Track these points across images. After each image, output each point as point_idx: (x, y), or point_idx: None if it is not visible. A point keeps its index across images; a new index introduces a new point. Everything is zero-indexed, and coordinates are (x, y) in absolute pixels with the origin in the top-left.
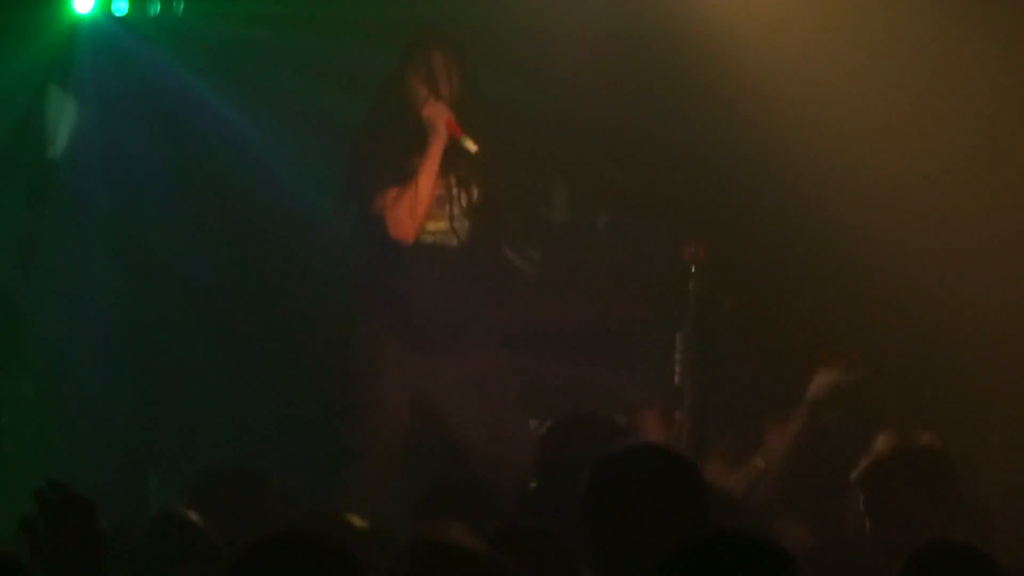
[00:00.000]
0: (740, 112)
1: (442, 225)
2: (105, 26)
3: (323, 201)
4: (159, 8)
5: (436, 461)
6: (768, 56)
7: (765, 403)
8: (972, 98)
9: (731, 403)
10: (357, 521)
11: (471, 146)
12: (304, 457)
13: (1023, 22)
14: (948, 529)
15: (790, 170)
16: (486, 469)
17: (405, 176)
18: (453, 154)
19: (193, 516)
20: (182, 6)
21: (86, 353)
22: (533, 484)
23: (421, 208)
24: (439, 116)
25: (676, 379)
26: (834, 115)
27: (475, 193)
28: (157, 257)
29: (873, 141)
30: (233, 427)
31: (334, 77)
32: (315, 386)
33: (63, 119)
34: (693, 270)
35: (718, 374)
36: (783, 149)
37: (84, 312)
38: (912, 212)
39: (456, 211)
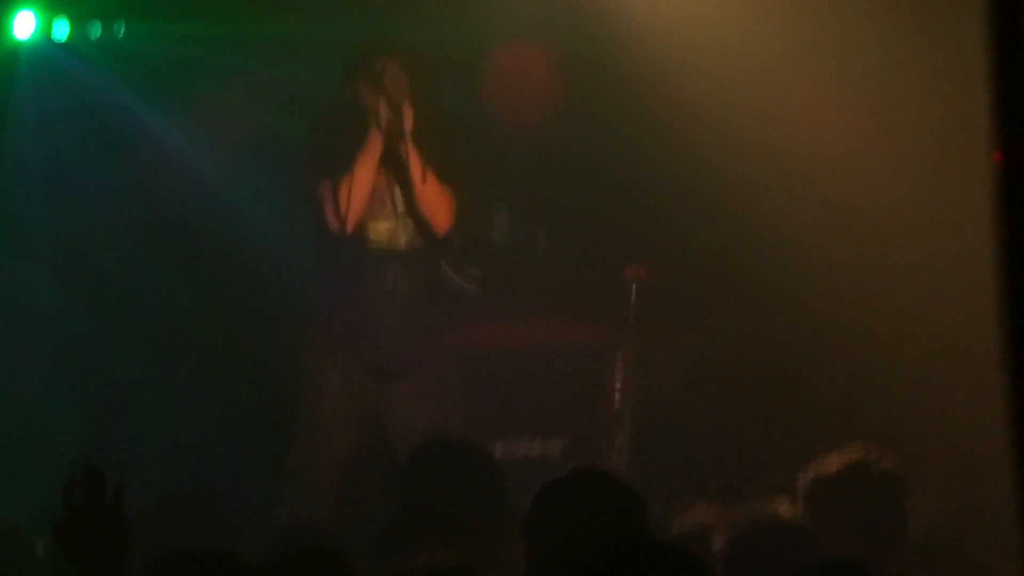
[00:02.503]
0: (682, 133)
1: (386, 225)
2: (46, 50)
3: (264, 218)
4: (100, 31)
5: (383, 478)
6: (712, 78)
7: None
8: (916, 120)
9: (673, 424)
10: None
11: (408, 125)
12: (249, 474)
13: (966, 40)
14: (894, 547)
15: (732, 191)
16: (429, 487)
17: (346, 171)
18: (397, 154)
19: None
20: (123, 29)
21: (27, 371)
22: None
23: (357, 197)
24: (382, 109)
25: (616, 401)
26: (778, 137)
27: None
28: (99, 275)
29: (817, 162)
30: (176, 444)
31: (273, 96)
32: (259, 402)
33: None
34: (634, 291)
35: (660, 395)
36: (726, 170)
37: (25, 330)
38: (856, 232)
39: (400, 210)
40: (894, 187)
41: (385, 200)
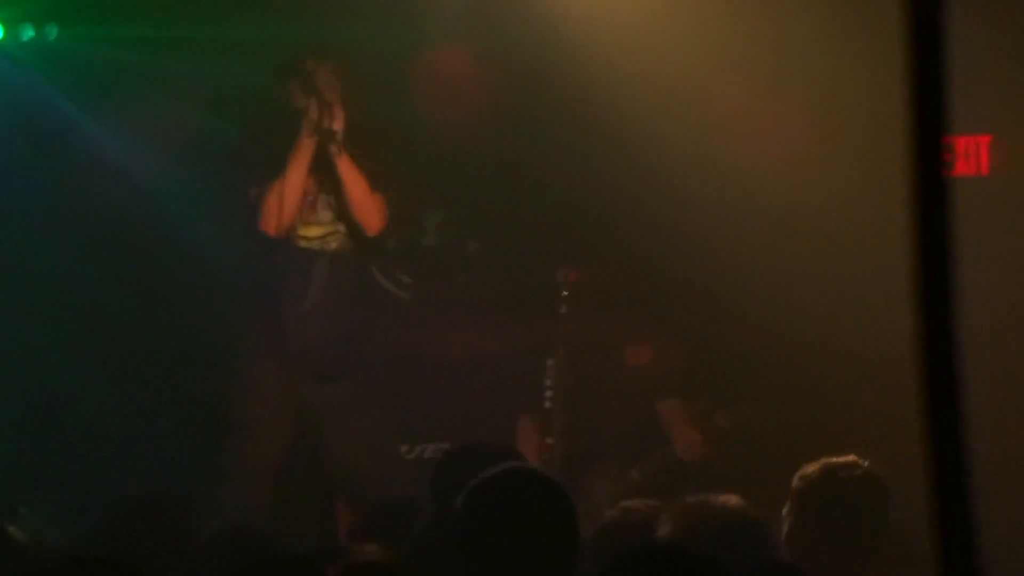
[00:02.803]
0: (613, 137)
1: (318, 230)
2: None
3: (197, 220)
4: (32, 33)
5: (312, 482)
6: (643, 82)
7: (639, 426)
8: (848, 124)
9: (604, 427)
10: None
11: (337, 126)
12: (183, 477)
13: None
14: (873, 557)
15: (663, 195)
16: (362, 490)
17: (279, 173)
18: (328, 158)
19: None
20: (55, 31)
21: None
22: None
23: (289, 199)
24: (314, 111)
25: (547, 403)
26: (709, 141)
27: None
28: (31, 278)
29: (748, 166)
30: (112, 448)
31: (205, 98)
32: (195, 404)
33: None
34: (564, 295)
35: (590, 398)
36: (656, 174)
37: None
38: (787, 235)
39: (332, 215)
40: (826, 191)
41: (317, 204)
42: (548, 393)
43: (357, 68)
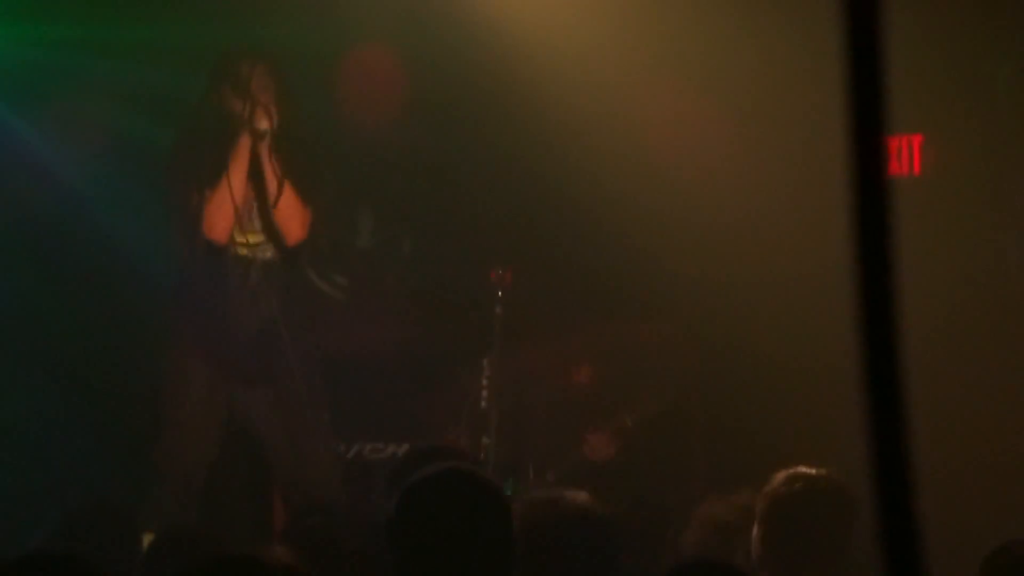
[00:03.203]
0: (545, 137)
1: (255, 238)
2: None
3: (124, 221)
4: None
5: (243, 484)
6: (576, 81)
7: (576, 425)
8: (788, 127)
9: (540, 426)
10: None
11: (264, 125)
12: (113, 478)
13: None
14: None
15: (595, 196)
16: (295, 491)
17: (218, 177)
18: (262, 163)
19: None
20: None
21: None
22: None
23: (233, 203)
24: (247, 113)
25: (483, 403)
26: (640, 141)
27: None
28: None
29: (680, 166)
30: (39, 451)
31: (133, 100)
32: (124, 407)
33: None
34: (499, 295)
35: (525, 398)
36: (589, 175)
37: None
38: (722, 237)
39: (268, 220)
40: (764, 191)
41: (253, 209)
42: (484, 393)
43: (289, 70)
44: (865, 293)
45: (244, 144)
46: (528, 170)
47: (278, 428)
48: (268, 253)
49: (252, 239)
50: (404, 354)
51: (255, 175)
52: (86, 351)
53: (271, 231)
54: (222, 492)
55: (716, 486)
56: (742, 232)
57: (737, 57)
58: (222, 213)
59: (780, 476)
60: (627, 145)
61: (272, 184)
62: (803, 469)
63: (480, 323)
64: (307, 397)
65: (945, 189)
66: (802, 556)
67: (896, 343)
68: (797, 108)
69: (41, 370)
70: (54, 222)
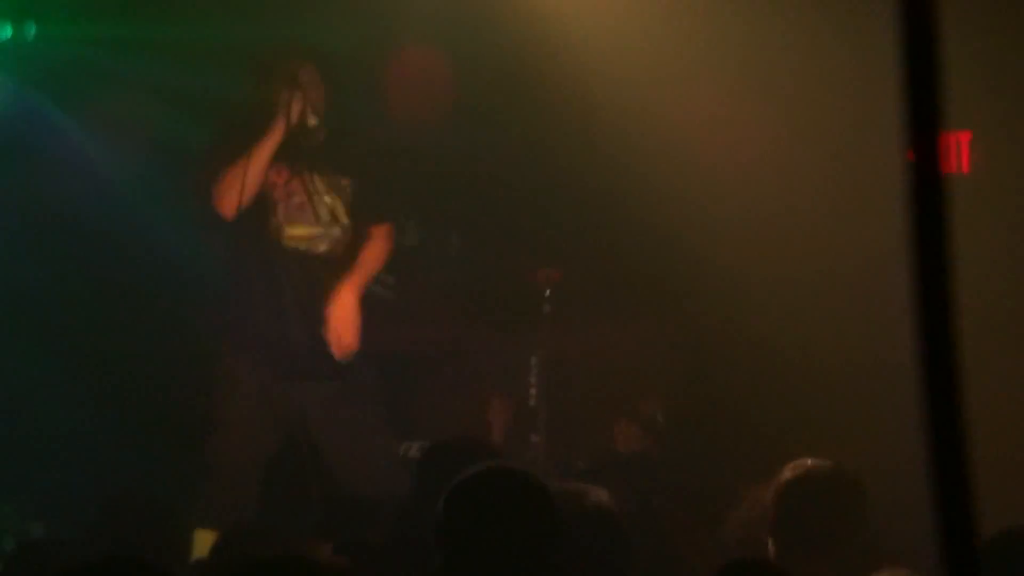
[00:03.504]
0: (591, 135)
1: (305, 231)
2: None
3: (166, 221)
4: (10, 33)
5: (297, 480)
6: (620, 79)
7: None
8: (830, 125)
9: (587, 425)
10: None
11: (312, 121)
12: (152, 475)
13: (873, 41)
14: (851, 556)
15: (641, 195)
16: (348, 487)
17: (240, 157)
18: (314, 157)
19: None
20: (33, 31)
21: None
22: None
23: (250, 181)
24: (288, 99)
25: (531, 401)
26: (685, 140)
27: (337, 199)
28: (1, 278)
29: (725, 165)
30: (79, 448)
31: (176, 99)
32: (161, 406)
33: None
34: (547, 293)
35: (573, 396)
36: (635, 174)
37: None
38: (765, 235)
39: (322, 218)
40: (807, 190)
41: (305, 206)
42: (532, 391)
43: (338, 68)
44: (922, 289)
45: (278, 128)
46: (575, 168)
47: (333, 426)
48: (321, 248)
49: (302, 232)
50: (451, 353)
51: (308, 172)
52: (129, 350)
53: (320, 226)
54: (277, 491)
55: (756, 477)
56: (785, 229)
57: (778, 53)
58: (240, 189)
59: (788, 467)
60: (671, 143)
61: (320, 182)
62: (811, 460)
63: (528, 321)
64: (357, 394)
65: (993, 187)
66: (811, 547)
67: (953, 341)
68: (837, 104)
69: (85, 369)
70: (98, 221)
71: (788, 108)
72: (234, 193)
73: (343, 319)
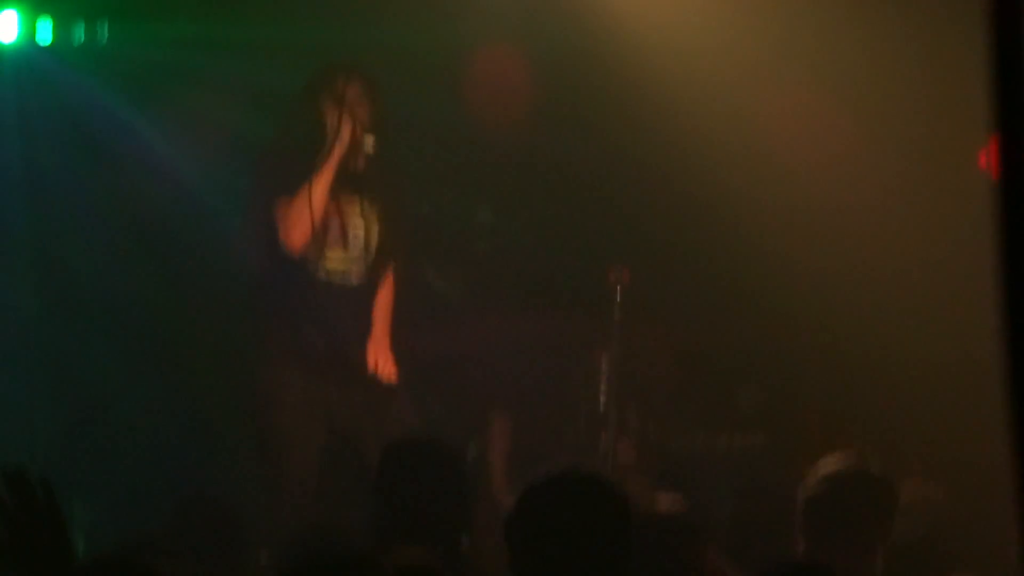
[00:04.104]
0: (665, 135)
1: (342, 256)
2: (29, 53)
3: (243, 222)
4: (83, 35)
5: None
6: (694, 79)
7: (690, 426)
8: (903, 121)
9: (657, 426)
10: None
11: (369, 142)
12: (226, 477)
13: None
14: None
15: (715, 193)
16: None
17: (301, 186)
18: (357, 182)
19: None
20: (106, 32)
21: (4, 375)
22: None
23: (315, 212)
24: (344, 123)
25: (601, 403)
26: (761, 138)
27: (377, 227)
28: (77, 279)
29: (801, 164)
30: (157, 446)
31: (252, 99)
32: (234, 401)
33: None
34: (618, 292)
35: (644, 397)
36: (708, 172)
37: (3, 333)
38: (841, 234)
39: (358, 247)
40: (880, 189)
41: (343, 231)
42: (602, 390)
43: (405, 68)
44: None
45: (334, 157)
46: (646, 167)
47: (399, 421)
48: (354, 274)
49: (339, 256)
50: (521, 352)
51: (348, 191)
52: (202, 352)
53: (360, 252)
54: (334, 494)
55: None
56: (861, 228)
57: (854, 52)
58: (300, 223)
59: (818, 465)
60: (746, 142)
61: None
62: (841, 458)
63: (598, 321)
64: (423, 393)
65: None
66: (842, 544)
67: None
68: (912, 102)
69: (161, 370)
70: (173, 221)
71: (864, 107)
72: (303, 228)
73: (380, 354)
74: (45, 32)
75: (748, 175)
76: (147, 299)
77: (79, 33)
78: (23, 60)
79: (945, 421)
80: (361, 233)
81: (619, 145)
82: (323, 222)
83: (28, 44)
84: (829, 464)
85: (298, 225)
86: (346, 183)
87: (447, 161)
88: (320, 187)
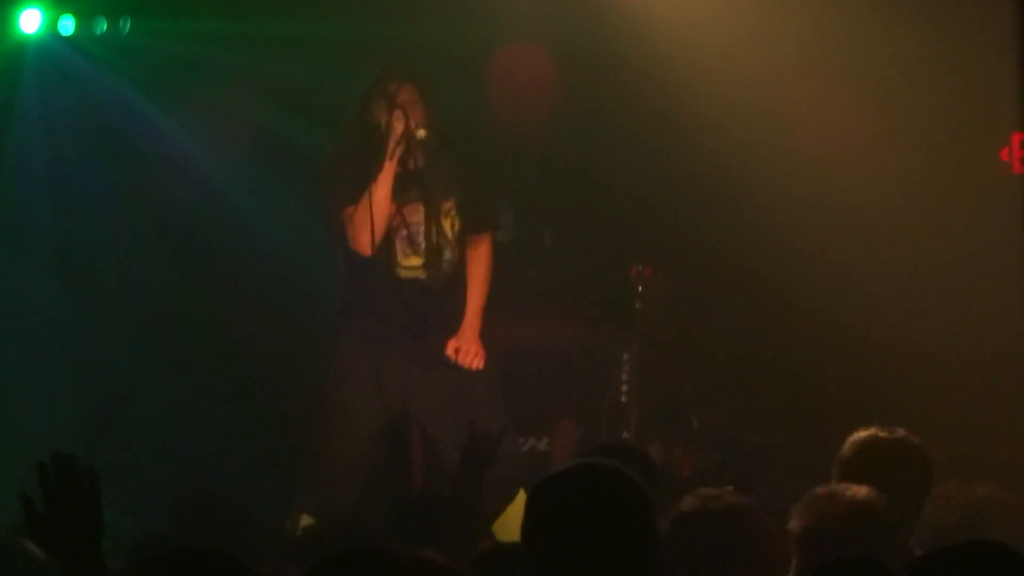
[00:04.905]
0: (689, 133)
1: (415, 261)
2: (52, 45)
3: (265, 215)
4: (105, 27)
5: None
6: (716, 77)
7: (713, 420)
8: (923, 118)
9: (678, 421)
10: None
11: (421, 133)
12: (247, 469)
13: (975, 42)
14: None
15: (737, 190)
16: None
17: (362, 193)
18: (417, 187)
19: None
20: (128, 25)
21: (26, 368)
22: None
23: (377, 214)
24: (398, 120)
25: (623, 397)
26: (782, 136)
27: (446, 228)
28: (100, 273)
29: (822, 161)
30: (175, 444)
31: (276, 94)
32: (258, 399)
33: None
34: (639, 290)
35: (664, 392)
36: (730, 170)
37: (25, 326)
38: (860, 230)
39: (430, 242)
40: (902, 185)
41: (415, 236)
42: (624, 387)
43: (437, 90)
44: None
45: (390, 159)
46: (669, 165)
47: (448, 415)
48: (430, 274)
49: (414, 262)
50: (543, 348)
51: (412, 193)
52: (224, 344)
53: (429, 255)
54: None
55: None
56: (883, 224)
57: (877, 51)
58: (363, 228)
59: (851, 438)
60: (767, 140)
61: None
62: (877, 430)
63: (620, 317)
64: (471, 386)
65: None
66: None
67: None
68: (936, 98)
69: (180, 363)
70: (195, 217)
71: (886, 102)
72: (367, 233)
73: (469, 346)
74: (67, 24)
75: (771, 171)
76: (168, 292)
77: (100, 25)
78: (45, 52)
79: (970, 415)
80: (427, 232)
81: (642, 142)
82: (387, 225)
83: (50, 36)
84: (862, 437)
85: (363, 230)
86: (408, 186)
87: (471, 159)
88: (381, 191)
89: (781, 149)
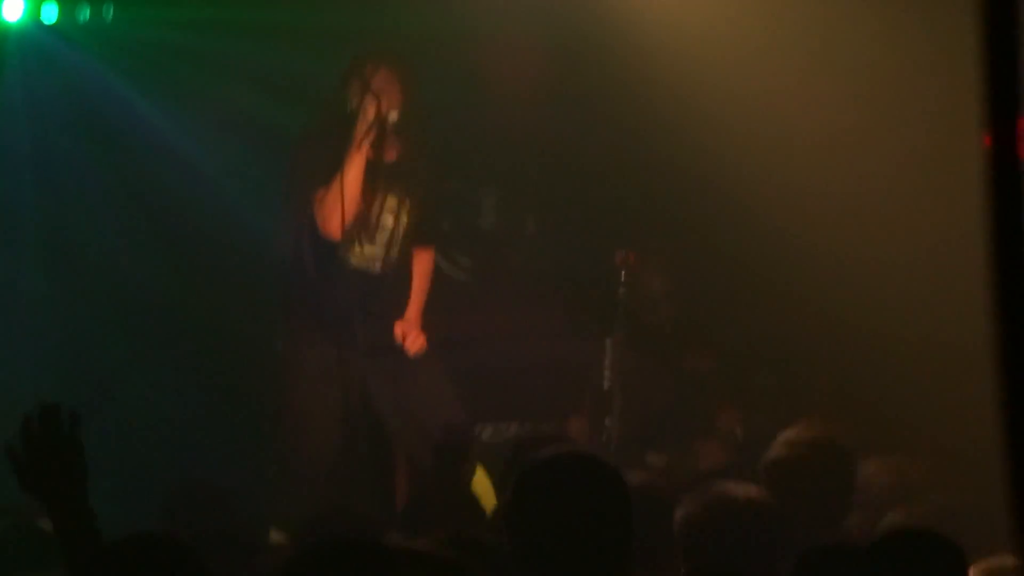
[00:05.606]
0: (671, 119)
1: (370, 251)
2: (35, 33)
3: (251, 204)
4: (88, 14)
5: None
6: (701, 64)
7: (695, 409)
8: (907, 105)
9: (661, 409)
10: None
11: (393, 115)
12: (235, 459)
13: (960, 27)
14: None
15: (720, 177)
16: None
17: (333, 176)
18: (385, 175)
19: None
20: (111, 12)
21: (13, 357)
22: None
23: (348, 197)
24: (370, 103)
25: (605, 385)
26: (766, 124)
27: (407, 217)
28: (85, 261)
29: (805, 149)
30: (164, 431)
31: (261, 82)
32: (243, 387)
33: None
34: (623, 276)
35: (648, 380)
36: (713, 157)
37: (11, 315)
38: (844, 219)
39: (384, 233)
40: (887, 176)
41: (371, 224)
42: (607, 374)
43: (416, 74)
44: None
45: (362, 141)
46: (653, 151)
47: (402, 409)
48: (379, 266)
49: (368, 251)
50: (526, 335)
51: (383, 182)
52: (212, 333)
53: (385, 245)
54: (349, 474)
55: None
56: (869, 216)
57: (858, 36)
58: (334, 210)
59: (779, 440)
60: (752, 127)
61: (403, 206)
62: (801, 431)
63: (604, 304)
64: (428, 376)
65: None
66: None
67: None
68: (916, 87)
69: (167, 351)
70: (181, 204)
71: (870, 95)
72: (337, 216)
73: (411, 331)
74: (50, 11)
75: (755, 162)
76: (154, 282)
77: (84, 13)
78: (28, 39)
79: (955, 407)
80: (390, 224)
81: (625, 129)
82: (356, 211)
83: (33, 23)
84: (792, 432)
85: (334, 214)
86: (379, 174)
87: (453, 144)
88: (352, 175)
89: (768, 136)
